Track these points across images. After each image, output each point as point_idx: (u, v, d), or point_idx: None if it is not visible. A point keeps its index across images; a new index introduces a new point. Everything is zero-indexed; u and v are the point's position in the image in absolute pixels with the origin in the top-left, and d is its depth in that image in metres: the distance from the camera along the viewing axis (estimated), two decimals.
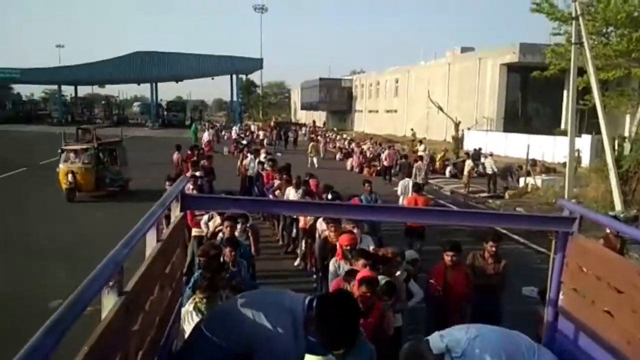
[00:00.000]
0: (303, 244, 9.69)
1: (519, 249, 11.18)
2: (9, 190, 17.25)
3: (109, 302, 1.59)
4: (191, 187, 9.80)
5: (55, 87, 70.78)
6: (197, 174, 11.82)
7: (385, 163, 22.68)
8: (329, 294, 2.64)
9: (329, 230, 7.20)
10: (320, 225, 7.93)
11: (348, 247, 5.70)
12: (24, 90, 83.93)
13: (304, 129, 50.00)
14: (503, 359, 2.61)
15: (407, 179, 13.80)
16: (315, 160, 25.48)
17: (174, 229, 2.51)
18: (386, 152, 23.87)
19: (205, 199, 2.85)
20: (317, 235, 8.19)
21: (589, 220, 2.84)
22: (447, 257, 5.77)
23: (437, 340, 2.74)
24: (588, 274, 2.66)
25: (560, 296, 2.91)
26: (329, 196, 8.82)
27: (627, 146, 17.28)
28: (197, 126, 40.88)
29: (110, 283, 1.59)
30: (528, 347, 2.68)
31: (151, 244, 2.19)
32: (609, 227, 2.71)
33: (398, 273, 5.49)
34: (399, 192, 12.89)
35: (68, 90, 73.66)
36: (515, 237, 11.89)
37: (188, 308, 4.55)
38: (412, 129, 38.54)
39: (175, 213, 2.66)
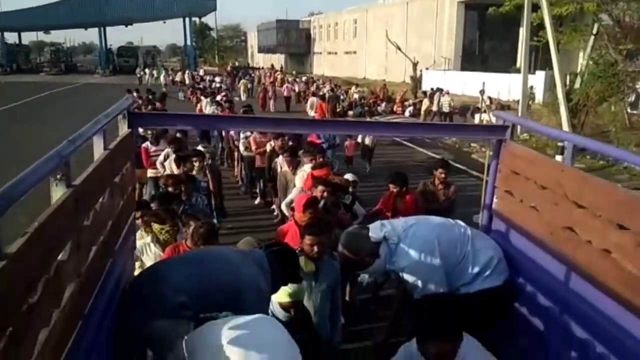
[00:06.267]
0: (261, 183, 9.83)
1: (472, 181, 11.60)
2: None
3: (58, 193, 1.66)
4: (141, 130, 9.66)
5: None
6: None
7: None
8: (281, 249, 3.01)
9: (288, 165, 7.37)
10: (283, 162, 8.07)
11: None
12: None
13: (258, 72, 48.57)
14: (435, 243, 2.81)
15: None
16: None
17: (121, 141, 2.55)
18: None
19: (152, 115, 2.90)
20: (278, 172, 8.35)
21: (523, 127, 3.01)
22: (392, 188, 5.98)
23: (377, 228, 2.91)
24: (518, 177, 2.86)
25: (495, 200, 3.12)
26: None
27: (578, 81, 17.79)
28: (162, 70, 39.91)
29: (58, 176, 1.65)
30: (463, 232, 2.88)
31: (99, 151, 2.26)
32: (542, 134, 2.93)
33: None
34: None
35: (12, 38, 69.40)
36: (470, 171, 12.34)
37: (146, 240, 4.60)
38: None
39: (122, 130, 2.69)
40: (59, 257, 1.58)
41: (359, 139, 12.28)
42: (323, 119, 9.90)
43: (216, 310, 2.52)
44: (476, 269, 2.87)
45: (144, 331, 2.56)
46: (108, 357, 2.25)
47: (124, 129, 2.68)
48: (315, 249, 3.34)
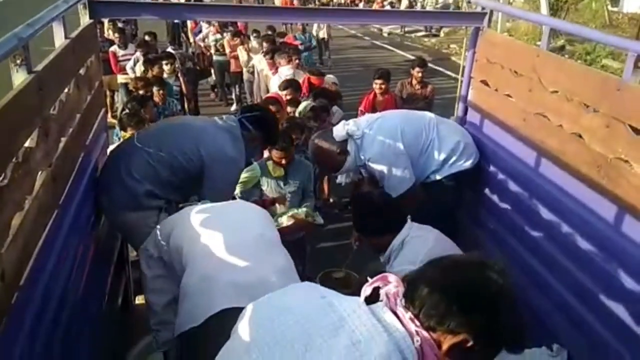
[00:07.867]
0: (237, 88, 9.64)
1: (450, 83, 11.52)
2: None
3: (19, 79, 1.61)
4: (111, 32, 9.23)
5: None
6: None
7: None
8: (255, 114, 2.88)
9: (271, 68, 7.23)
10: (259, 64, 7.87)
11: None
12: None
13: None
14: (398, 132, 2.84)
15: None
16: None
17: (83, 31, 2.44)
18: None
19: (116, 3, 2.70)
20: (256, 75, 8.18)
21: (501, 13, 2.94)
22: (376, 85, 5.93)
23: (339, 128, 2.92)
24: (494, 65, 2.83)
25: (470, 91, 3.10)
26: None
27: None
28: None
29: (18, 61, 1.60)
30: (428, 121, 2.91)
31: (59, 39, 2.16)
32: (520, 18, 2.89)
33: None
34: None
35: None
36: (448, 72, 12.22)
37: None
38: None
39: (84, 21, 2.56)
40: (26, 144, 1.56)
41: (314, 32, 12.35)
42: (298, 6, 9.74)
43: (186, 191, 2.54)
44: (443, 155, 2.91)
45: (115, 223, 2.60)
46: (87, 248, 2.30)
47: (85, 20, 2.55)
48: (284, 160, 3.44)
